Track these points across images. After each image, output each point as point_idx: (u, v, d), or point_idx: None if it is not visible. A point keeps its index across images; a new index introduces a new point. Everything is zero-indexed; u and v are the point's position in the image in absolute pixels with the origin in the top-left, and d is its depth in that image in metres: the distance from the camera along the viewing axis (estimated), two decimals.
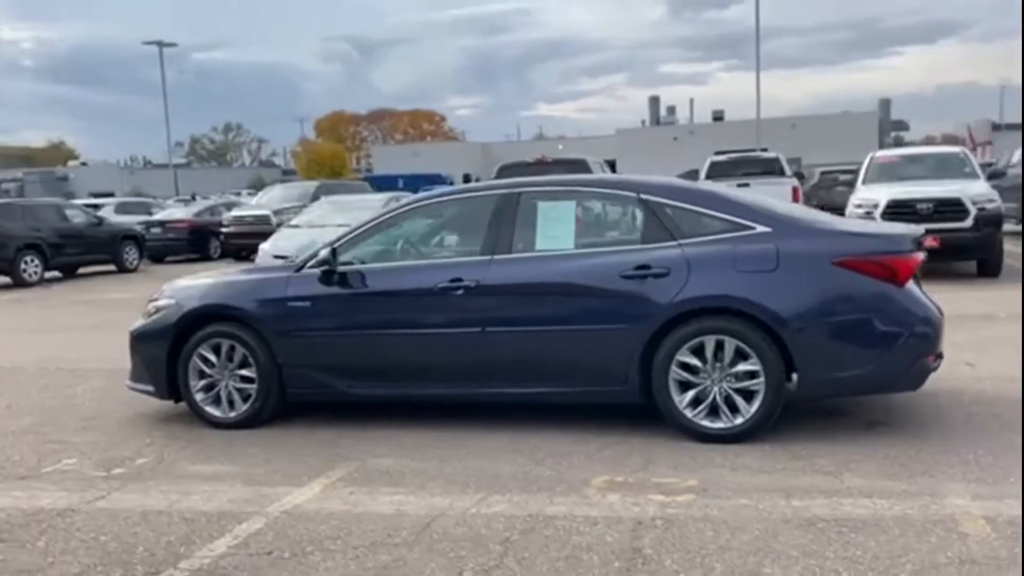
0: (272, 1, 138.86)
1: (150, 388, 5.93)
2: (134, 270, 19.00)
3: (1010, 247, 12.49)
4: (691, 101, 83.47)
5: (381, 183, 32.14)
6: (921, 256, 4.85)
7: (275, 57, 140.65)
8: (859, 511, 3.79)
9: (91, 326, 11.07)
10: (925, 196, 11.64)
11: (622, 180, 5.68)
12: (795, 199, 15.78)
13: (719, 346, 4.83)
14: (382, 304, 5.42)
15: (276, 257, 13.12)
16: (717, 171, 17.49)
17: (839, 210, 11.89)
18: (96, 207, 22.75)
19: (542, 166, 14.41)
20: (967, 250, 11.35)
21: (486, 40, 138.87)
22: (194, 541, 3.83)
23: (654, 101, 64.73)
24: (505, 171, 14.51)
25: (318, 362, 5.50)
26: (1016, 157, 17.48)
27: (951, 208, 11.42)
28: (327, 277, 5.48)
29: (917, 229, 5.10)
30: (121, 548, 3.80)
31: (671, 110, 64.89)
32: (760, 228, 4.94)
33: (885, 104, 57.83)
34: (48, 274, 17.12)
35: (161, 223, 21.44)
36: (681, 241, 4.98)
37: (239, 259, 20.41)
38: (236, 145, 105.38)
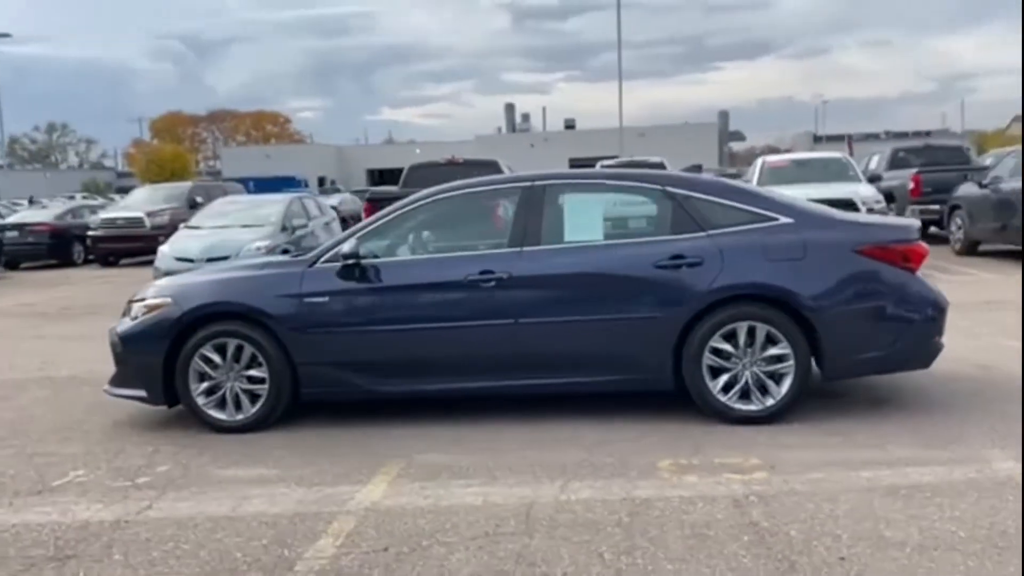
0: None
1: (141, 393, 5.55)
2: None
3: None
4: (543, 110, 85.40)
5: None
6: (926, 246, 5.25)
7: (98, 53, 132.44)
8: (927, 478, 4.08)
9: None
10: (821, 196, 12.36)
11: (645, 173, 5.82)
12: None
13: (750, 332, 5.04)
14: (408, 298, 5.31)
15: (180, 260, 12.55)
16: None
17: None
18: None
19: (453, 167, 14.41)
20: None
21: (326, 42, 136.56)
22: (290, 543, 3.65)
23: (510, 108, 65.68)
24: (415, 172, 14.43)
25: (339, 359, 5.32)
26: (873, 164, 18.93)
27: (844, 208, 12.27)
28: (348, 271, 5.32)
29: (916, 221, 5.52)
30: (217, 556, 3.57)
31: (525, 117, 66.05)
32: (783, 219, 5.20)
33: (724, 116, 61.13)
34: None
35: (18, 226, 19.82)
36: (710, 232, 5.17)
37: (107, 265, 19.25)
38: (61, 146, 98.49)
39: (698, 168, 20.40)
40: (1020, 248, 11.97)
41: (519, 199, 5.41)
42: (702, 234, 5.17)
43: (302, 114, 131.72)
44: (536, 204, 5.36)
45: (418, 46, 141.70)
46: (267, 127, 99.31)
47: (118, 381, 5.66)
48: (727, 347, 5.06)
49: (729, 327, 5.05)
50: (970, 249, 13.72)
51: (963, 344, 6.56)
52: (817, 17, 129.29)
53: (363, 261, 5.26)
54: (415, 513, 3.92)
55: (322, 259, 5.44)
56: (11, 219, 20.95)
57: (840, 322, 5.00)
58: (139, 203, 20.58)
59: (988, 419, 4.93)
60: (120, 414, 5.94)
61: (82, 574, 3.46)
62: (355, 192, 33.04)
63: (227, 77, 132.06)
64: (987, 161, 19.68)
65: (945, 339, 5.24)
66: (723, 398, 5.07)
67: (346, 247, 5.29)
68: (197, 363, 5.39)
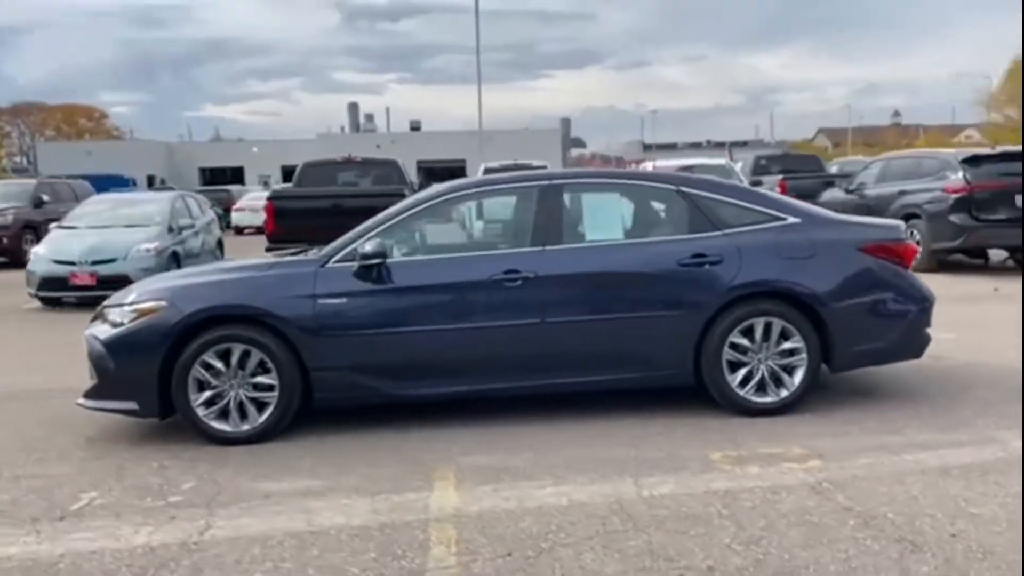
0: None
1: (129, 406, 5.11)
2: None
3: None
4: (387, 110, 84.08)
5: None
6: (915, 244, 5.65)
7: None
8: (964, 459, 4.40)
9: None
10: None
11: (657, 174, 5.92)
12: None
13: (766, 327, 5.25)
14: (431, 297, 5.16)
15: (59, 263, 11.60)
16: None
17: None
18: None
19: (350, 165, 14.07)
20: None
21: (142, 34, 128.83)
22: (402, 554, 3.48)
23: (353, 108, 64.53)
24: (310, 169, 13.98)
25: (357, 363, 5.10)
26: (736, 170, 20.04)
27: None
28: (368, 271, 5.11)
29: (901, 223, 5.92)
30: (332, 572, 3.35)
31: (369, 118, 65.09)
32: (791, 219, 5.45)
33: (566, 123, 62.84)
34: None
35: None
36: (726, 231, 5.35)
37: None
38: None
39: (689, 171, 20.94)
40: None
41: (537, 198, 5.38)
42: (718, 233, 5.34)
43: (117, 109, 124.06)
44: (555, 203, 5.36)
45: (242, 41, 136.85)
46: (81, 122, 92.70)
47: (99, 393, 5.17)
48: (745, 342, 5.25)
49: (747, 323, 5.24)
50: None
51: None
52: (639, 31, 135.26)
53: (384, 261, 5.06)
54: (508, 517, 3.83)
55: (335, 258, 5.20)
56: None
57: (847, 316, 5.30)
58: None
59: (974, 404, 5.37)
60: (88, 429, 5.46)
61: None
62: (204, 191, 31.28)
63: (30, 67, 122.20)
64: (833, 169, 21.35)
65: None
66: (741, 391, 5.25)
67: (368, 246, 5.09)
68: (198, 371, 5.02)
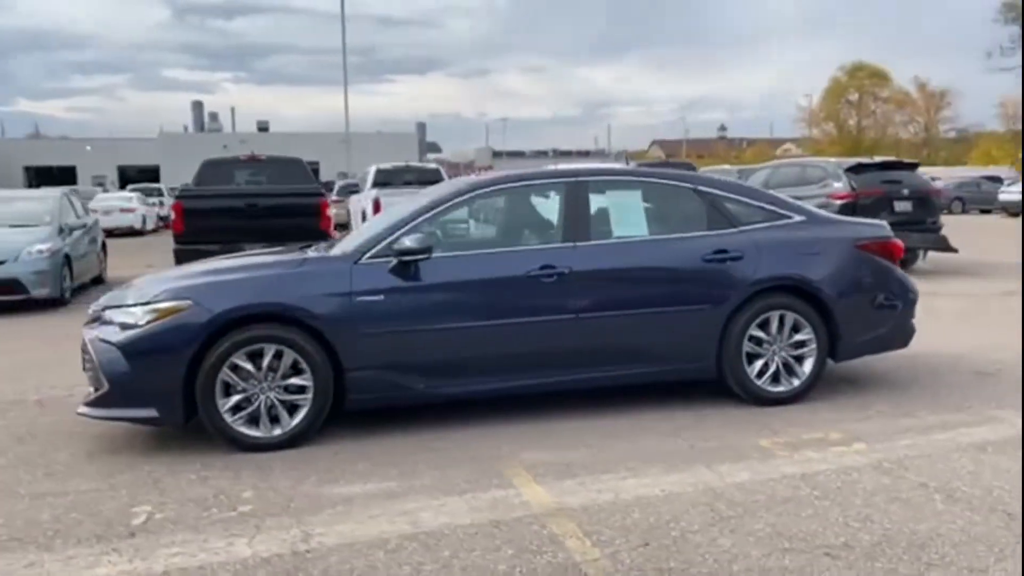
0: None
1: (148, 413, 4.75)
2: None
3: None
4: (232, 110, 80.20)
5: None
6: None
7: None
8: (989, 436, 4.78)
9: None
10: None
11: (675, 173, 6.04)
12: None
13: (780, 320, 5.51)
14: (469, 293, 5.09)
15: None
16: (383, 178, 17.99)
17: None
18: None
19: (254, 164, 13.52)
20: None
21: None
22: (537, 549, 3.43)
23: (198, 106, 61.60)
24: (212, 168, 13.33)
25: (395, 362, 4.96)
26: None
27: None
28: (405, 267, 4.97)
29: (885, 223, 6.34)
30: (478, 571, 3.26)
31: (214, 117, 62.34)
32: (797, 217, 5.75)
33: (422, 127, 62.64)
34: None
35: None
36: (741, 228, 5.57)
37: None
38: None
39: (690, 167, 21.04)
40: None
41: (564, 194, 5.41)
42: (734, 230, 5.55)
43: None
44: (581, 200, 5.40)
45: (60, 33, 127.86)
46: None
47: (109, 401, 4.77)
48: (762, 334, 5.48)
49: (764, 316, 5.47)
50: None
51: None
52: (481, 40, 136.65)
53: (421, 256, 4.95)
54: (616, 509, 3.84)
55: (368, 254, 5.03)
56: None
57: (850, 308, 5.63)
58: None
59: (954, 388, 5.83)
60: (77, 440, 5.07)
61: None
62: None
63: None
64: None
65: None
66: (759, 382, 5.48)
67: (406, 242, 4.95)
68: (226, 373, 4.73)
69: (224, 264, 5.34)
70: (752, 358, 5.47)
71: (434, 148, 66.57)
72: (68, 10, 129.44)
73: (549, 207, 5.46)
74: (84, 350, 5.02)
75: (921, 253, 13.48)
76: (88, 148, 56.84)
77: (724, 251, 5.42)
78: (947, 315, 8.83)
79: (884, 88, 61.97)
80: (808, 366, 5.55)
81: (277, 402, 4.81)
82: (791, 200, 5.96)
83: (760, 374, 5.48)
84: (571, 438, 4.90)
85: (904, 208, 12.89)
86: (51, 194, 12.84)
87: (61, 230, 11.68)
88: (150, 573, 3.32)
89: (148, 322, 4.72)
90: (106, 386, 4.75)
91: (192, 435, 4.97)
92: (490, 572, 3.26)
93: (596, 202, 5.46)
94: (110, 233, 19.86)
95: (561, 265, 5.16)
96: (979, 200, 35.21)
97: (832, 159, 15.31)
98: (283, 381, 4.82)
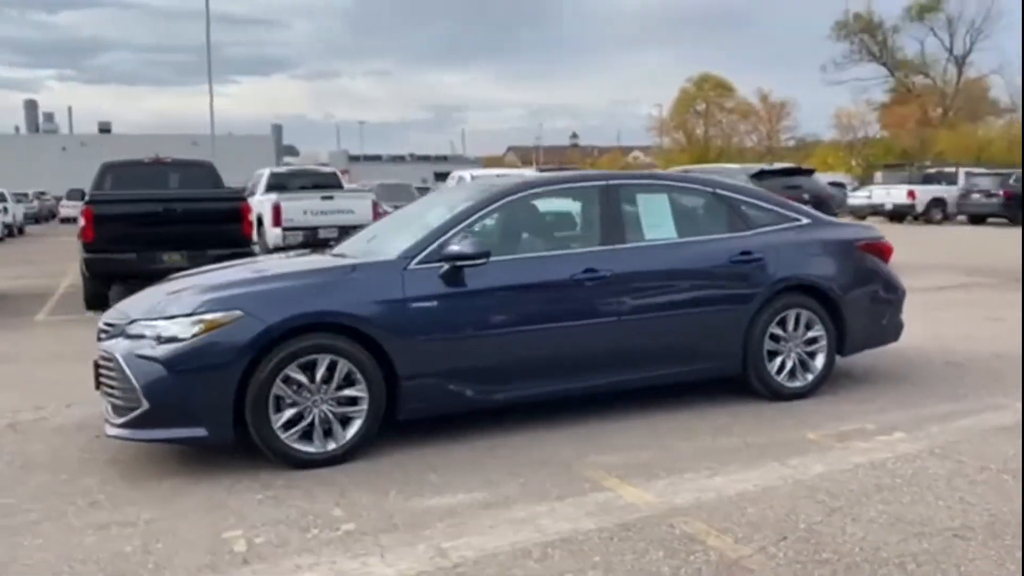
0: None
1: (195, 432, 4.44)
2: None
3: None
4: (69, 109, 74.27)
5: None
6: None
7: None
8: (1008, 420, 5.14)
9: None
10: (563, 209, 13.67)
11: (694, 177, 6.16)
12: (374, 216, 16.48)
13: (796, 318, 5.75)
14: (519, 298, 5.04)
15: None
16: (278, 182, 17.39)
17: None
18: None
19: (160, 166, 12.81)
20: None
21: None
22: (684, 548, 3.44)
23: (32, 106, 57.20)
24: (113, 170, 12.53)
25: (449, 370, 4.84)
26: None
27: None
28: (455, 272, 4.87)
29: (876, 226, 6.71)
30: (646, 572, 3.24)
31: (49, 117, 58.10)
32: (804, 220, 6.02)
33: (278, 129, 60.83)
34: None
35: None
36: (757, 231, 5.78)
37: None
38: None
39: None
40: None
41: (598, 198, 5.45)
42: (751, 233, 5.75)
43: None
44: (613, 204, 5.46)
45: None
46: None
47: (149, 421, 4.42)
48: (780, 332, 5.71)
49: (782, 314, 5.70)
50: None
51: None
52: (327, 42, 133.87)
53: (479, 262, 4.85)
54: (729, 505, 3.89)
55: (416, 259, 4.88)
56: None
57: (855, 305, 5.94)
58: None
59: (946, 379, 6.24)
60: (112, 467, 4.71)
61: None
62: None
63: None
64: None
65: None
66: (779, 378, 5.70)
67: (455, 247, 4.84)
68: (279, 387, 4.49)
69: (262, 270, 5.05)
70: (772, 355, 5.68)
71: (291, 151, 64.83)
72: None
73: (585, 210, 5.48)
74: (105, 367, 4.63)
75: None
76: None
77: (748, 252, 5.61)
78: None
79: (729, 99, 65.33)
80: (820, 361, 5.82)
81: (331, 415, 4.60)
82: (794, 204, 6.24)
83: (779, 370, 5.70)
84: (624, 439, 4.93)
85: None
86: None
87: None
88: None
89: (195, 335, 4.40)
90: (145, 405, 4.39)
91: (208, 454, 4.67)
92: (656, 574, 3.25)
93: (628, 205, 5.52)
94: None
95: (603, 268, 5.19)
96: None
97: (736, 165, 16.02)
98: (337, 393, 4.60)
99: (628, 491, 4.12)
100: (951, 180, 29.53)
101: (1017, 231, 19.97)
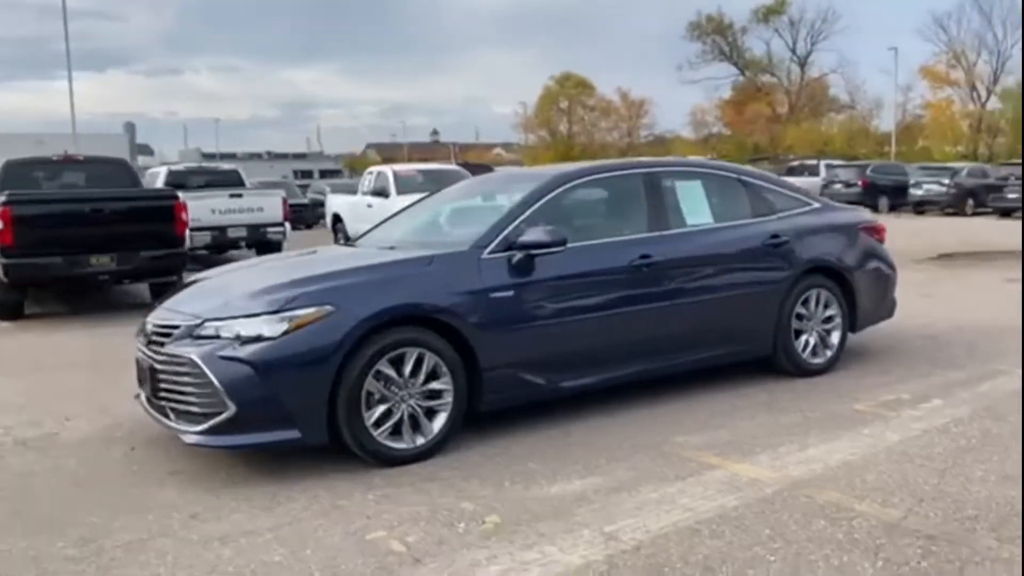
0: None
1: (289, 435, 4.23)
2: None
3: None
4: None
5: None
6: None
7: None
8: (1018, 385, 5.60)
9: None
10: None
11: (721, 164, 6.31)
12: (284, 214, 15.98)
13: (817, 297, 6.04)
14: (585, 285, 5.06)
15: None
16: (176, 180, 16.61)
17: None
18: None
19: (70, 164, 11.99)
20: None
21: None
22: (835, 514, 3.57)
23: None
24: (17, 169, 11.61)
25: (524, 359, 4.81)
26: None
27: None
28: (528, 261, 4.84)
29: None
30: (840, 543, 3.36)
31: None
32: (815, 204, 6.32)
33: (131, 128, 57.29)
34: None
35: None
36: (780, 215, 6.03)
37: None
38: None
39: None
40: None
41: (644, 184, 5.54)
42: (775, 217, 6.00)
43: None
44: (656, 191, 5.57)
45: None
46: None
47: (237, 426, 4.18)
48: (804, 311, 5.98)
49: (805, 295, 5.97)
50: None
51: None
52: (169, 36, 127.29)
53: (557, 249, 4.84)
54: (842, 475, 4.06)
55: (488, 249, 4.83)
56: None
57: (864, 284, 6.29)
58: None
59: (938, 351, 6.69)
60: (176, 477, 4.41)
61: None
62: None
63: None
64: None
65: None
66: (804, 355, 5.97)
67: (532, 235, 4.82)
68: (371, 383, 4.34)
69: (330, 264, 4.85)
70: (797, 334, 5.94)
71: (146, 151, 61.40)
72: None
73: (632, 198, 5.54)
74: (171, 372, 4.35)
75: None
76: None
77: (777, 236, 5.84)
78: None
79: (590, 97, 66.98)
80: (835, 338, 6.13)
81: (419, 409, 4.48)
82: (805, 189, 6.53)
83: (803, 348, 5.96)
84: (691, 421, 5.02)
85: None
86: None
87: None
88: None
89: (285, 332, 4.19)
90: (231, 409, 4.14)
91: (257, 457, 4.48)
92: (833, 541, 3.36)
93: (669, 192, 5.64)
94: None
95: (656, 254, 5.28)
96: None
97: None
98: (423, 387, 4.49)
99: (739, 468, 4.22)
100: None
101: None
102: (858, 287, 6.20)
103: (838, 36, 64.32)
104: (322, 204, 22.87)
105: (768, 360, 5.89)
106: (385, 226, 6.08)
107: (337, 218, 16.52)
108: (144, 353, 4.68)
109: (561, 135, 67.26)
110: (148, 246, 10.36)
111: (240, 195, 15.68)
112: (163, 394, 4.46)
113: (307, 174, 62.20)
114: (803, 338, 5.96)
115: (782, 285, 5.80)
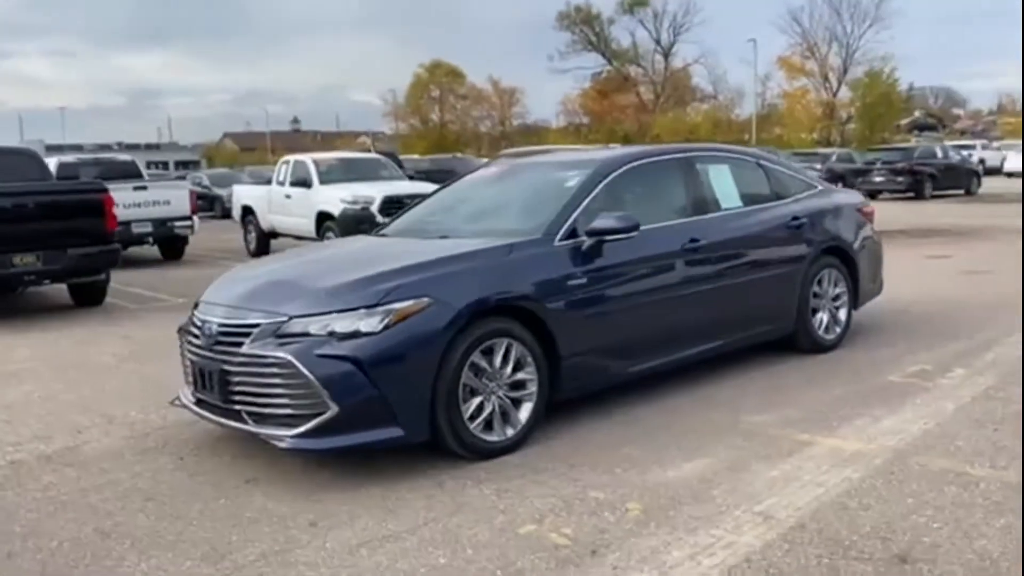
0: None
1: (391, 433, 4.05)
2: None
3: None
4: None
5: None
6: None
7: None
8: (1019, 352, 6.01)
9: None
10: (410, 192, 13.46)
11: (741, 149, 6.39)
12: (192, 207, 15.25)
13: (827, 277, 6.29)
14: (646, 270, 5.07)
15: None
16: (70, 172, 15.54)
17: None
18: None
19: None
20: None
21: None
22: (974, 480, 3.76)
23: None
24: None
25: (598, 346, 4.79)
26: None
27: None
28: (598, 247, 4.82)
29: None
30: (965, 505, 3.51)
31: None
32: (819, 187, 6.57)
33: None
34: None
35: None
36: (794, 197, 6.24)
37: None
38: None
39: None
40: None
41: (682, 169, 5.60)
42: (790, 199, 6.20)
43: None
44: (693, 176, 5.64)
45: None
46: None
47: (338, 427, 3.97)
48: (818, 290, 6.21)
49: (819, 274, 6.20)
50: None
51: None
52: None
53: (632, 235, 4.83)
54: (930, 444, 4.24)
55: (558, 236, 4.77)
56: None
57: (864, 262, 6.59)
58: None
59: (922, 325, 7.07)
60: (262, 483, 4.14)
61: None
62: None
63: None
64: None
65: None
66: (820, 332, 6.21)
67: (601, 222, 4.79)
68: (468, 375, 4.22)
69: (400, 256, 4.63)
70: (813, 312, 6.17)
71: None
72: None
73: (675, 182, 5.58)
74: (257, 374, 4.09)
75: None
76: None
77: (797, 218, 6.03)
78: None
79: (461, 86, 66.93)
80: (843, 315, 6.40)
81: (508, 401, 4.39)
82: (808, 172, 6.77)
83: (818, 326, 6.20)
84: (748, 401, 5.10)
85: None
86: None
87: None
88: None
89: (386, 326, 4.01)
90: (333, 409, 3.93)
91: (318, 457, 4.31)
92: (976, 505, 3.52)
93: (704, 177, 5.72)
94: None
95: (702, 237, 5.36)
96: None
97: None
98: (510, 378, 4.40)
99: (832, 443, 4.34)
100: None
101: None
102: (860, 265, 6.49)
103: (699, 28, 66.90)
104: (202, 197, 21.95)
105: (789, 339, 6.06)
106: (409, 217, 5.90)
107: (248, 210, 15.83)
108: (204, 356, 4.36)
109: (433, 123, 66.91)
110: (76, 243, 9.64)
111: (145, 187, 14.83)
112: (239, 398, 4.17)
113: (163, 165, 59.39)
114: (818, 316, 6.18)
115: (803, 265, 6.00)
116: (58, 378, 6.56)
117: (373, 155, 17.00)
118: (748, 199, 5.97)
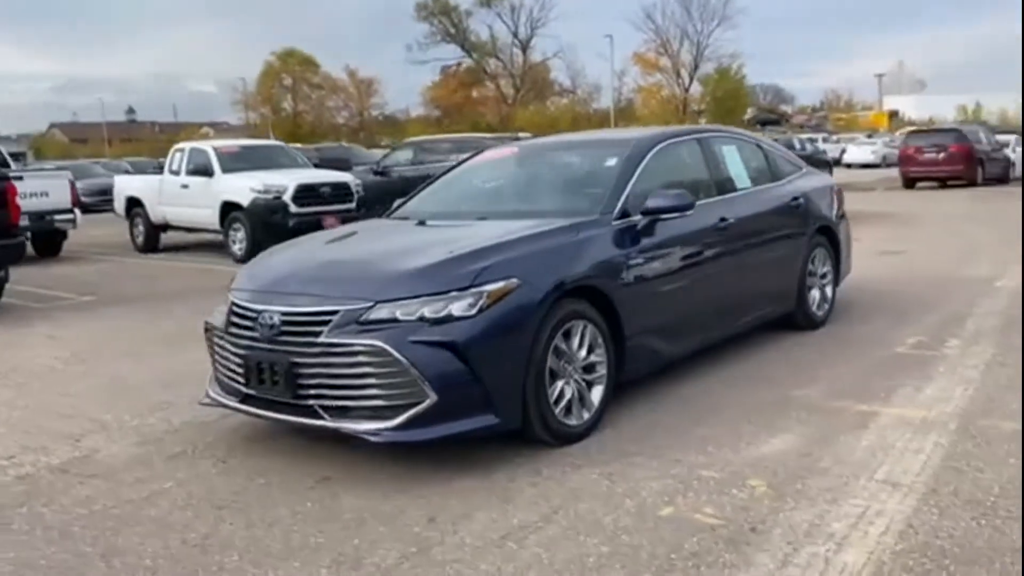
0: None
1: (487, 421, 3.85)
2: None
3: None
4: None
5: None
6: None
7: None
8: (996, 322, 6.38)
9: None
10: (325, 181, 12.99)
11: (742, 131, 6.43)
12: (73, 199, 14.15)
13: (819, 255, 6.49)
14: (690, 249, 5.05)
15: None
16: None
17: None
18: None
19: None
20: None
21: None
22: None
23: None
24: None
25: (655, 327, 4.74)
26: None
27: (342, 191, 13.09)
28: (651, 226, 4.76)
29: None
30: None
31: None
32: (805, 169, 6.76)
33: None
34: None
35: None
36: (788, 178, 6.39)
37: None
38: None
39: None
40: None
41: (702, 150, 5.62)
42: (786, 180, 6.35)
43: None
44: (709, 155, 5.68)
45: None
46: None
47: (435, 416, 3.73)
48: (812, 268, 6.40)
49: (812, 253, 6.39)
50: None
51: None
52: None
53: (688, 213, 4.79)
54: (979, 411, 4.41)
55: (613, 216, 4.68)
56: None
57: (844, 241, 6.85)
58: None
59: (882, 302, 7.41)
60: (335, 483, 3.86)
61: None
62: None
63: None
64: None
65: None
66: (814, 308, 6.40)
67: (656, 201, 4.73)
68: (552, 359, 4.08)
69: (467, 239, 4.37)
70: (808, 290, 6.35)
71: None
72: None
73: (698, 161, 5.58)
74: (344, 364, 3.78)
75: None
76: None
77: (796, 198, 6.19)
78: None
79: (315, 75, 65.16)
80: (829, 292, 6.63)
81: (583, 383, 4.27)
82: (792, 154, 6.95)
83: (811, 303, 6.38)
84: (783, 378, 5.16)
85: None
86: None
87: None
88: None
89: (481, 309, 3.80)
90: (432, 398, 3.69)
91: (369, 449, 4.09)
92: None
93: (720, 156, 5.77)
94: None
95: (730, 215, 5.40)
96: None
97: (475, 135, 16.44)
98: (585, 360, 4.28)
99: (895, 411, 4.45)
100: None
101: None
102: (842, 244, 6.73)
103: (556, 23, 67.94)
104: None
105: (789, 316, 6.20)
106: (424, 201, 5.63)
107: (134, 202, 14.76)
108: (262, 348, 3.99)
109: (287, 113, 64.89)
110: None
111: (21, 178, 13.55)
112: (314, 391, 3.84)
113: None
114: (812, 293, 6.36)
115: (802, 243, 6.16)
116: (1, 383, 5.90)
117: (274, 142, 16.24)
118: (756, 179, 6.06)
